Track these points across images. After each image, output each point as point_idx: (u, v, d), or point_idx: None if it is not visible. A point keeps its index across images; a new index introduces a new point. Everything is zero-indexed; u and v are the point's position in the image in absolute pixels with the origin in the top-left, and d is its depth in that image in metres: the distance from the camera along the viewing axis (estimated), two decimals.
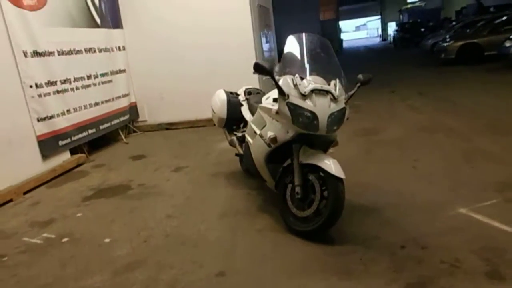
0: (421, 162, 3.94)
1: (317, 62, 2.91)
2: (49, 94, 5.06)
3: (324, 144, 2.86)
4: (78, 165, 5.29)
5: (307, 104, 2.59)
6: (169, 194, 3.85)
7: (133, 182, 4.37)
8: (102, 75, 6.19)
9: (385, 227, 2.77)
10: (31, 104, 4.74)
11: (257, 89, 4.14)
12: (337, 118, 2.67)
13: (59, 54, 5.26)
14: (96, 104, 5.98)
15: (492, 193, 3.08)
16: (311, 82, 2.70)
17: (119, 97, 6.64)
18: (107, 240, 2.97)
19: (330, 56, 2.97)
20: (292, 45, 2.97)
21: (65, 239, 3.07)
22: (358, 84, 2.91)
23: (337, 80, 2.76)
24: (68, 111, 5.37)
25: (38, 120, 4.82)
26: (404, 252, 2.46)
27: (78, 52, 5.68)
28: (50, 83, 5.10)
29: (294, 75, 2.74)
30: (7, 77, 4.46)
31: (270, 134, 2.81)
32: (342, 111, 2.70)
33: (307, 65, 2.85)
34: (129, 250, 2.78)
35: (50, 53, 5.11)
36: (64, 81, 5.34)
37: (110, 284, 2.40)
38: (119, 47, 6.76)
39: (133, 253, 2.74)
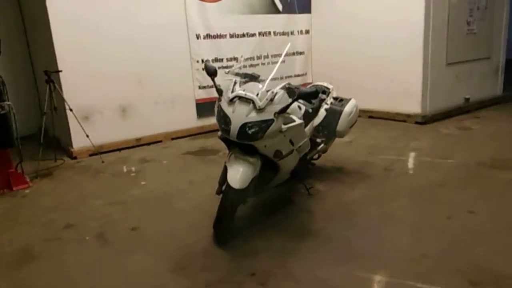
0: None
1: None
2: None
3: (268, 155, 2.80)
4: None
5: (228, 109, 2.68)
6: None
7: None
8: (274, 56, 7.04)
9: None
10: (196, 75, 6.23)
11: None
12: (257, 128, 2.60)
13: (230, 37, 6.48)
14: (261, 80, 6.93)
15: None
16: (245, 88, 2.72)
17: (290, 76, 7.36)
18: None
19: None
20: None
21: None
22: (294, 97, 2.65)
23: (274, 92, 2.65)
24: None
25: (199, 87, 6.28)
26: None
27: (252, 35, 6.73)
28: (217, 60, 6.43)
29: (244, 78, 2.82)
30: (181, 54, 6.03)
31: None
32: (265, 122, 2.61)
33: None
34: None
35: (222, 36, 6.39)
36: (230, 59, 6.57)
37: None
38: (301, 31, 7.38)
39: None
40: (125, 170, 4.60)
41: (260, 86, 2.77)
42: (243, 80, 2.93)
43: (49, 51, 5.05)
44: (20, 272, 2.51)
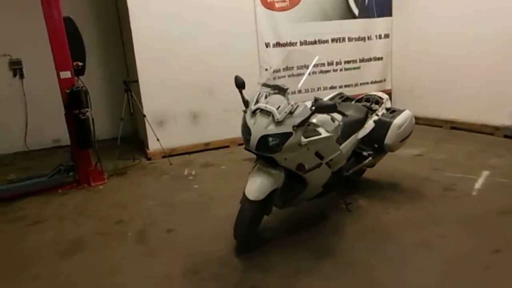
0: None
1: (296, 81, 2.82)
2: (283, 76, 6.48)
3: (290, 168, 2.78)
4: None
5: (250, 121, 2.74)
6: None
7: None
8: (347, 62, 6.85)
9: None
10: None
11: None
12: (276, 141, 2.61)
13: (301, 44, 6.49)
14: (333, 87, 6.81)
15: None
16: (269, 100, 2.75)
17: (366, 83, 7.09)
18: None
19: None
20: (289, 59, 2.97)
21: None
22: (312, 109, 2.58)
23: (294, 104, 2.64)
24: (299, 91, 6.61)
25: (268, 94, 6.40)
26: None
27: (324, 42, 6.65)
28: (287, 68, 6.49)
29: (274, 90, 2.85)
30: (250, 62, 6.22)
31: None
32: (284, 135, 2.60)
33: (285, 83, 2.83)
34: None
35: (292, 44, 6.43)
36: (301, 67, 6.56)
37: None
38: (380, 35, 7.05)
39: None
40: (185, 173, 4.93)
41: (283, 98, 2.75)
42: (272, 92, 2.93)
43: (131, 62, 5.65)
44: (64, 261, 2.89)
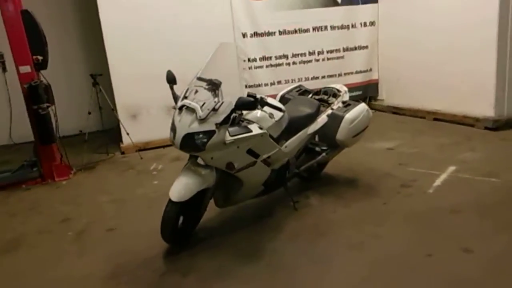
0: None
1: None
2: (261, 67, 6.33)
3: (219, 167, 2.69)
4: None
5: (176, 118, 2.63)
6: None
7: None
8: (330, 51, 6.63)
9: None
10: (243, 74, 6.22)
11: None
12: (199, 140, 2.50)
13: (280, 34, 6.30)
14: (315, 78, 6.62)
15: None
16: (196, 96, 2.64)
17: (350, 73, 6.86)
18: None
19: None
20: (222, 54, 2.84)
21: None
22: (230, 108, 2.45)
23: (218, 101, 2.51)
24: (279, 82, 6.45)
25: (246, 86, 6.26)
26: None
27: (304, 31, 6.43)
28: (265, 58, 6.33)
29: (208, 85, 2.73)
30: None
31: None
32: (207, 133, 2.49)
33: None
34: None
35: (270, 33, 6.25)
36: (280, 57, 6.39)
37: None
38: (365, 23, 6.79)
39: None
40: (151, 168, 4.86)
41: (210, 94, 2.62)
42: (206, 86, 2.80)
43: (100, 54, 5.57)
44: (2, 258, 2.86)
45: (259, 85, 6.28)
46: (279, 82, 6.41)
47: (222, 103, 2.54)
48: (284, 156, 3.06)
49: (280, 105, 2.97)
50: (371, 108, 6.77)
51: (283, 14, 6.23)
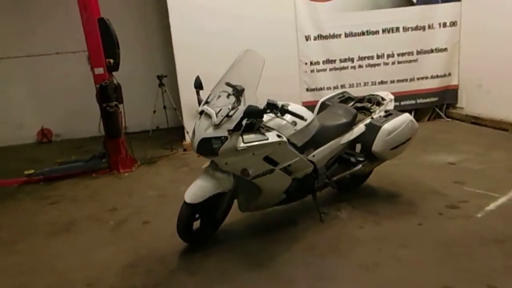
0: None
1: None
2: (323, 70, 6.21)
3: (234, 173, 2.73)
4: None
5: (196, 122, 2.74)
6: None
7: None
8: (401, 54, 6.24)
9: None
10: (303, 77, 6.17)
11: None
12: (213, 145, 2.58)
13: (346, 36, 6.10)
14: (383, 82, 6.30)
15: None
16: (214, 103, 2.72)
17: (424, 77, 6.37)
18: None
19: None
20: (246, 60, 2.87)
21: None
22: (241, 115, 2.45)
23: (232, 108, 2.56)
24: (342, 85, 6.26)
25: (307, 90, 6.20)
26: None
27: (373, 33, 6.14)
28: (328, 61, 6.19)
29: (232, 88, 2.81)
30: (288, 55, 6.07)
31: None
32: (219, 139, 2.55)
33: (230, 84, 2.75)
34: None
35: (335, 36, 6.09)
36: (344, 60, 6.20)
37: None
38: (444, 23, 6.25)
39: None
40: (203, 166, 5.07)
41: (230, 100, 2.68)
42: (231, 92, 2.86)
43: (167, 58, 5.96)
44: (46, 241, 3.26)
45: (320, 89, 6.15)
46: (342, 86, 6.19)
47: (237, 110, 2.57)
48: (308, 166, 2.98)
49: (304, 113, 2.89)
50: (448, 117, 6.32)
51: (350, 16, 6.01)
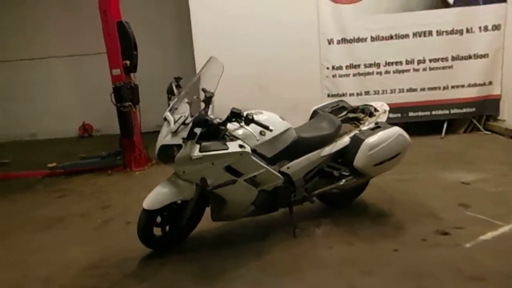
0: None
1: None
2: (346, 75, 5.94)
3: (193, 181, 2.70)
4: None
5: (161, 129, 2.74)
6: None
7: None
8: (433, 60, 5.79)
9: None
10: (325, 82, 5.95)
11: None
12: (169, 152, 2.56)
13: (372, 40, 5.79)
14: (411, 90, 5.88)
15: None
16: (178, 108, 2.70)
17: (460, 86, 5.86)
18: None
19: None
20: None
21: None
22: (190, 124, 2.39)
23: (186, 114, 2.52)
24: (366, 92, 5.94)
25: (328, 95, 5.97)
26: None
27: (402, 37, 5.76)
28: (352, 66, 5.92)
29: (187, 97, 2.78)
30: (309, 59, 5.88)
31: None
32: (174, 147, 2.53)
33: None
34: None
35: (360, 40, 5.80)
36: (370, 65, 5.88)
37: None
38: (485, 27, 5.69)
39: None
40: None
41: (188, 107, 2.63)
42: (195, 99, 2.82)
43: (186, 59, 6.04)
44: (35, 235, 3.43)
45: (342, 95, 5.88)
46: (366, 93, 5.88)
47: (193, 117, 2.52)
48: (277, 178, 2.83)
49: (276, 123, 2.77)
50: (487, 130, 5.72)
51: (377, 18, 5.68)
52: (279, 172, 2.90)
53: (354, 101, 5.30)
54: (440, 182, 3.91)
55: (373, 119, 3.20)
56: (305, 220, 3.23)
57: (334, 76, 5.86)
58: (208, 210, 2.94)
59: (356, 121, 3.28)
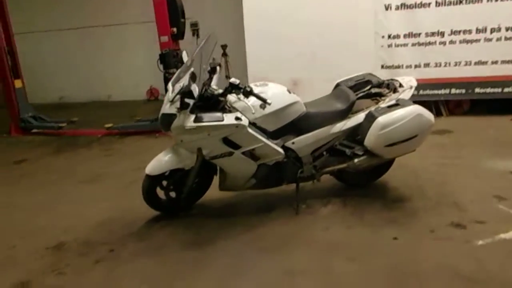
0: None
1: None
2: (404, 45, 5.45)
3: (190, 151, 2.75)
4: None
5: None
6: None
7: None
8: (510, 29, 5.03)
9: None
10: (379, 52, 5.53)
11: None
12: (166, 121, 2.63)
13: (437, 5, 5.19)
14: (481, 62, 5.22)
15: None
16: (180, 78, 2.73)
17: None
18: None
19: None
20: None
21: None
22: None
23: (182, 84, 2.54)
24: (426, 64, 5.41)
25: (382, 67, 5.55)
26: None
27: (474, 1, 5.08)
28: (411, 35, 5.40)
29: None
30: (363, 28, 5.48)
31: None
32: (170, 116, 2.59)
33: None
34: None
35: (423, 5, 5.23)
36: (432, 34, 5.31)
37: None
38: None
39: None
40: None
41: (187, 77, 2.64)
42: (205, 69, 2.81)
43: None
44: (73, 187, 3.84)
45: (398, 67, 5.42)
46: (426, 65, 5.35)
47: (180, 88, 2.52)
48: (277, 153, 2.76)
49: (277, 97, 2.68)
50: None
51: None
52: (284, 147, 2.81)
53: (411, 74, 4.86)
54: (485, 169, 3.48)
55: (395, 95, 2.91)
56: (316, 197, 3.11)
57: (389, 45, 5.39)
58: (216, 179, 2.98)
59: (379, 97, 3.01)
